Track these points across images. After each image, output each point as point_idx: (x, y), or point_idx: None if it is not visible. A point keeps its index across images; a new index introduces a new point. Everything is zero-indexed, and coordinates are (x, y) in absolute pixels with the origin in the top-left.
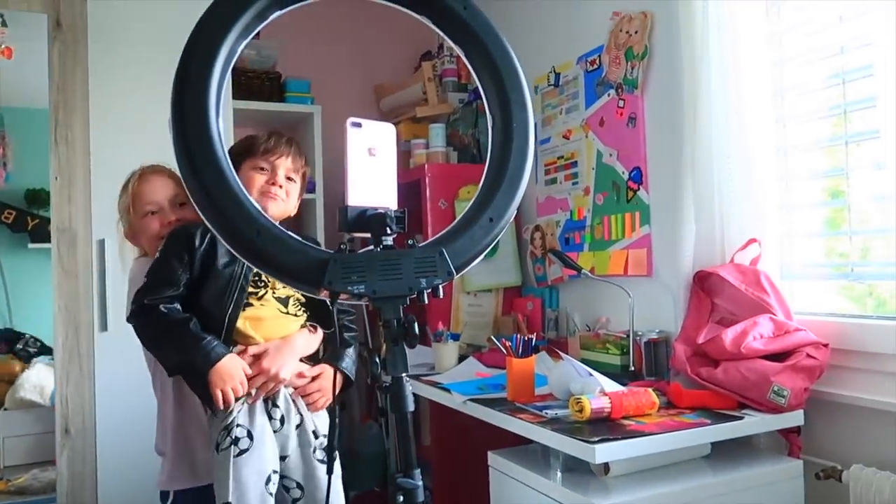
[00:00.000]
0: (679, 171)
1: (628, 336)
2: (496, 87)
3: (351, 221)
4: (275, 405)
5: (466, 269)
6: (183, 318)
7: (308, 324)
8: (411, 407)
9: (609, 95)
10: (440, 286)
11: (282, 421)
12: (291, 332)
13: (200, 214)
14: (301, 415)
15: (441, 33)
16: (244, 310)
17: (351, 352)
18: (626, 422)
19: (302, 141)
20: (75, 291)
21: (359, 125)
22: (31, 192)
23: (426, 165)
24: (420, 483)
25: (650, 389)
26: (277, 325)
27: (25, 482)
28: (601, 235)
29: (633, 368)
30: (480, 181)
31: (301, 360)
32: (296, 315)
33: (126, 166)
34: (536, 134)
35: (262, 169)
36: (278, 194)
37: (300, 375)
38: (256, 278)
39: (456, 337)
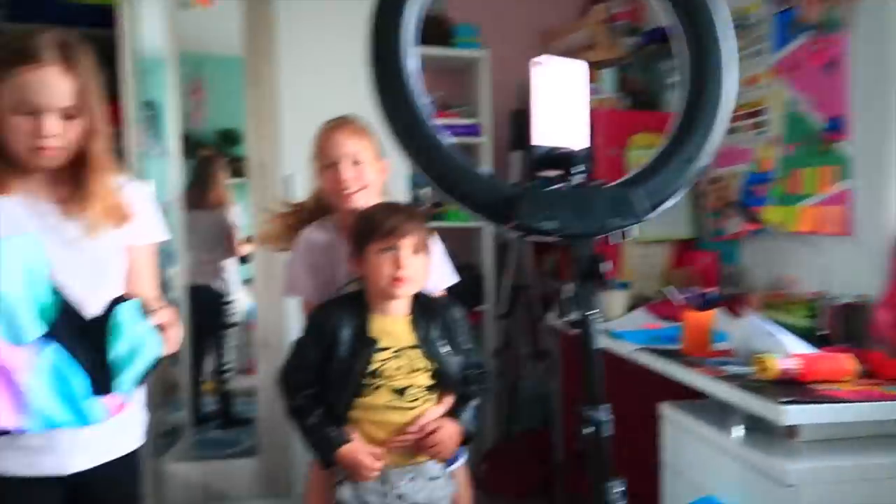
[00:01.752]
0: (887, 121)
1: (819, 298)
2: (689, 20)
3: (538, 159)
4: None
5: (659, 210)
6: (309, 416)
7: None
8: (599, 344)
9: (804, 37)
10: (634, 227)
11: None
12: (400, 423)
13: (400, 152)
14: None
15: None
16: (360, 396)
17: (473, 404)
18: (817, 386)
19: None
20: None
21: (545, 63)
22: (224, 131)
23: (595, 112)
24: (608, 418)
25: (847, 356)
26: (385, 416)
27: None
28: (791, 189)
29: (825, 333)
30: (674, 119)
31: None
32: (411, 406)
33: (311, 107)
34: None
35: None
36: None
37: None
38: (371, 371)
39: (625, 286)
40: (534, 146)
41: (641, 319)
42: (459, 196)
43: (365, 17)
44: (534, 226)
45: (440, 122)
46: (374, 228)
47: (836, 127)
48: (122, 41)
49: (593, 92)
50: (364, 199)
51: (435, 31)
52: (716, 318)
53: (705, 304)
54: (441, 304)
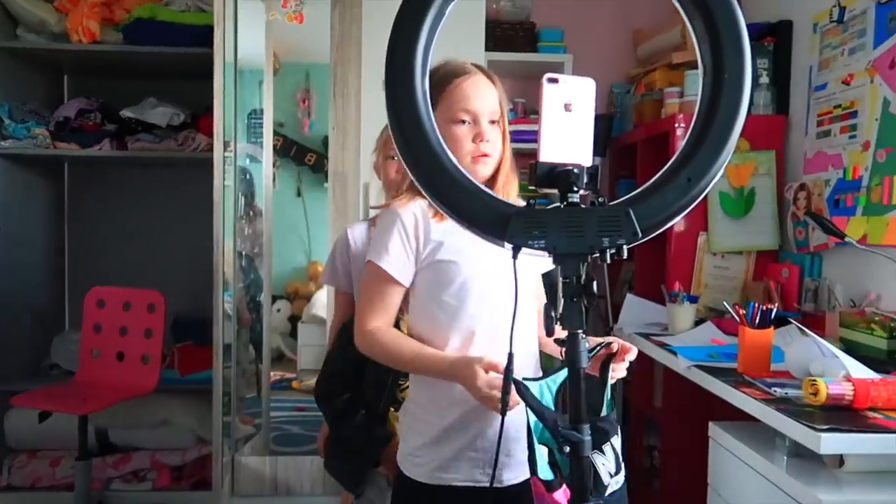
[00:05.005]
0: None
1: None
2: (708, 32)
3: (540, 177)
4: None
5: (657, 232)
6: (352, 419)
7: None
8: (585, 363)
9: None
10: (624, 246)
11: None
12: None
13: (403, 162)
14: None
15: None
16: (396, 395)
17: None
18: (871, 414)
19: None
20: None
21: (555, 80)
22: (327, 137)
23: (678, 115)
24: (588, 438)
25: None
26: None
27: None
28: (879, 198)
29: None
30: (685, 137)
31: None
32: None
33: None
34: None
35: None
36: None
37: None
38: (404, 380)
39: (693, 299)
40: (537, 163)
41: (709, 334)
42: (456, 211)
43: (447, 30)
44: (525, 244)
45: (520, 127)
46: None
47: None
48: (217, 56)
49: (678, 95)
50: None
51: (519, 36)
52: (780, 336)
53: (769, 320)
54: None
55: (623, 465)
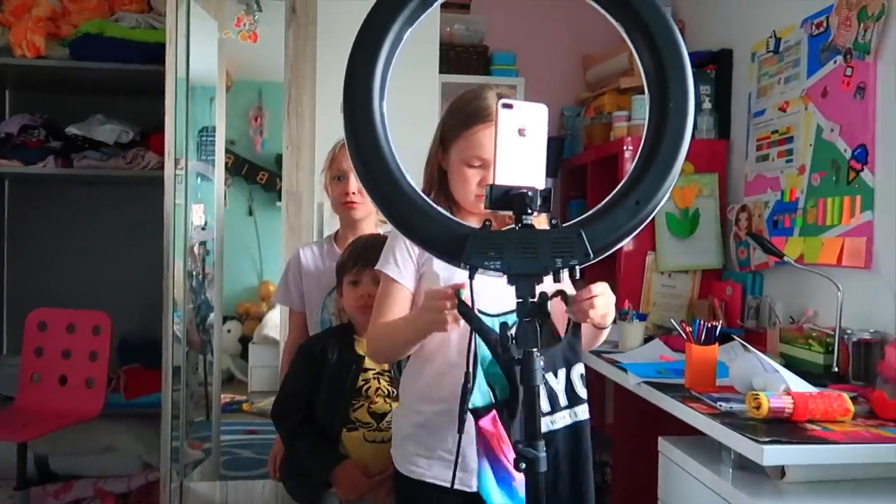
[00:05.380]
0: None
1: (835, 333)
2: (654, 63)
3: (495, 199)
4: None
5: (608, 252)
6: (304, 440)
7: None
8: (539, 381)
9: (835, 63)
10: (577, 267)
11: None
12: (367, 455)
13: (362, 185)
14: None
15: (600, 9)
16: (349, 415)
17: None
18: (809, 426)
19: None
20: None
21: (510, 106)
22: (280, 156)
23: (627, 138)
24: (543, 454)
25: (845, 395)
26: (362, 452)
27: (266, 406)
28: (814, 219)
29: (836, 370)
30: (633, 162)
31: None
32: (383, 439)
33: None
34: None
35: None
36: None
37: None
38: (357, 388)
39: (642, 317)
40: (492, 185)
41: (658, 351)
42: (414, 233)
43: (402, 51)
44: (481, 264)
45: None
46: (343, 261)
47: (861, 156)
48: (169, 73)
49: (626, 118)
50: (364, 213)
51: (473, 59)
52: (724, 352)
53: (714, 337)
54: None
55: (585, 401)
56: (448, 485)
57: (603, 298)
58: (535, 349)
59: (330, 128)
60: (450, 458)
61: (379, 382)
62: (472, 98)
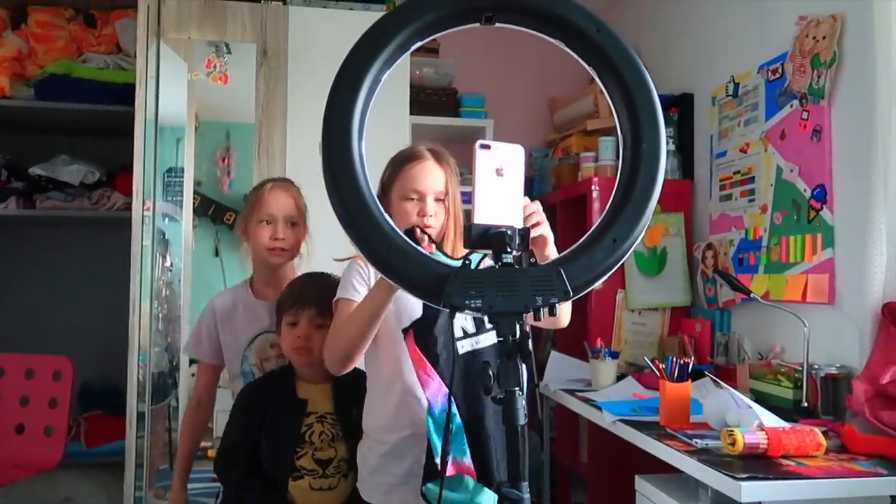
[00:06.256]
0: (869, 190)
1: (803, 368)
2: (627, 107)
3: (475, 238)
4: None
5: (587, 290)
6: (249, 493)
7: None
8: (522, 420)
9: (792, 106)
10: (556, 305)
11: None
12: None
13: (342, 226)
14: None
15: (574, 55)
16: (294, 463)
17: None
18: (784, 461)
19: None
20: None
21: (487, 147)
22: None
23: (594, 178)
24: (527, 496)
25: (817, 429)
26: (309, 498)
27: None
28: (778, 257)
29: (806, 405)
30: (609, 202)
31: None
32: (330, 485)
33: (317, 178)
34: (712, 152)
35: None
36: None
37: None
38: (301, 434)
39: (615, 355)
40: (472, 225)
41: (631, 388)
42: (394, 273)
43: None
44: (462, 304)
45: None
46: (282, 301)
47: (820, 195)
48: (138, 113)
49: (593, 159)
50: (287, 259)
51: (442, 101)
52: (697, 389)
53: (687, 374)
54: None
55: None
56: None
57: (537, 214)
58: (516, 388)
59: (300, 168)
60: (417, 478)
61: (322, 426)
62: (403, 150)
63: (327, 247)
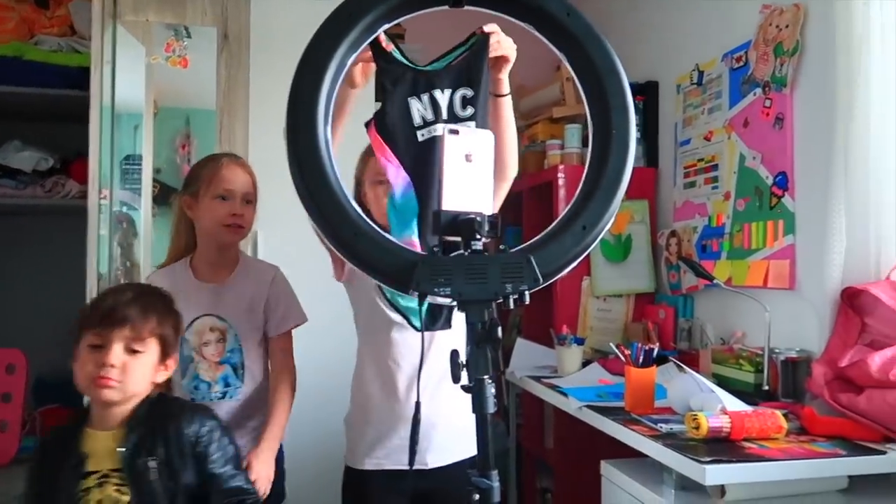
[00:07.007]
0: (830, 177)
1: (764, 353)
2: (596, 92)
3: (443, 225)
4: None
5: (556, 277)
6: None
7: None
8: (492, 409)
9: (755, 94)
10: (526, 292)
11: None
12: None
13: (307, 213)
14: None
15: (544, 39)
16: None
17: None
18: (746, 444)
19: None
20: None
21: (456, 132)
22: None
23: (560, 166)
24: (496, 484)
25: (778, 412)
26: None
27: None
28: (740, 244)
29: (766, 388)
30: (578, 188)
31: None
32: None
33: (280, 166)
34: (678, 139)
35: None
36: None
37: None
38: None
39: (580, 341)
40: (440, 211)
41: (597, 374)
42: (362, 261)
43: None
44: (431, 291)
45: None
46: (87, 315)
47: (782, 182)
48: (94, 99)
49: (559, 147)
50: (242, 237)
51: None
52: (661, 374)
53: (651, 359)
54: (176, 412)
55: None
56: (404, 468)
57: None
58: (486, 376)
59: (263, 155)
60: (403, 444)
61: (103, 490)
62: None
63: (281, 239)
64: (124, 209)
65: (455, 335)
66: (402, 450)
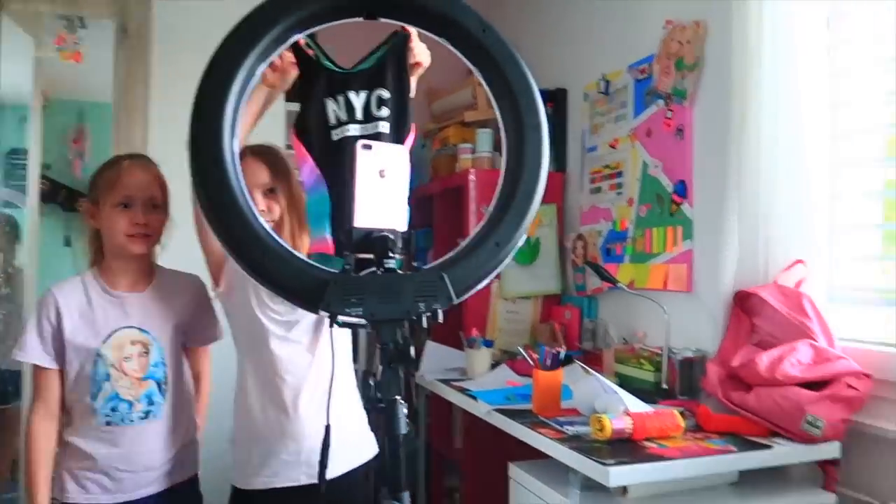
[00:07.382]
0: (724, 186)
1: (663, 353)
2: (511, 110)
3: (356, 242)
4: None
5: (469, 294)
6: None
7: None
8: (404, 430)
9: (658, 106)
10: (439, 311)
11: None
12: None
13: (212, 231)
14: None
15: (460, 55)
16: None
17: None
18: (647, 444)
19: None
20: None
21: (369, 147)
22: None
23: (471, 170)
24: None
25: (675, 411)
26: None
27: None
28: (642, 248)
29: (665, 387)
30: (491, 204)
31: None
32: None
33: (180, 164)
34: (585, 149)
35: None
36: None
37: None
38: None
39: (489, 343)
40: (352, 228)
41: (505, 376)
42: (270, 280)
43: None
44: (342, 311)
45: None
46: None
47: (681, 190)
48: None
49: (470, 151)
50: (148, 247)
51: None
52: (568, 375)
53: (558, 362)
54: None
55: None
56: (295, 484)
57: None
58: (398, 397)
59: (163, 155)
60: (293, 459)
61: None
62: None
63: (192, 241)
64: (6, 210)
65: (338, 345)
66: (293, 466)
